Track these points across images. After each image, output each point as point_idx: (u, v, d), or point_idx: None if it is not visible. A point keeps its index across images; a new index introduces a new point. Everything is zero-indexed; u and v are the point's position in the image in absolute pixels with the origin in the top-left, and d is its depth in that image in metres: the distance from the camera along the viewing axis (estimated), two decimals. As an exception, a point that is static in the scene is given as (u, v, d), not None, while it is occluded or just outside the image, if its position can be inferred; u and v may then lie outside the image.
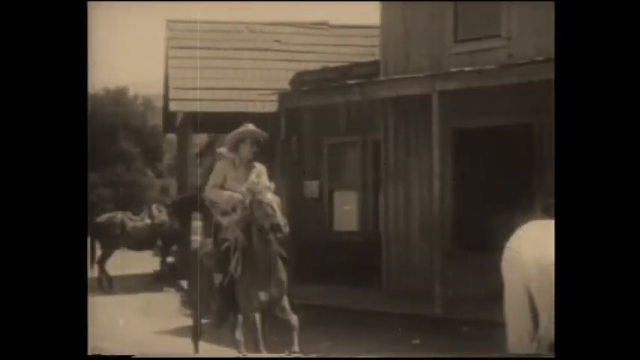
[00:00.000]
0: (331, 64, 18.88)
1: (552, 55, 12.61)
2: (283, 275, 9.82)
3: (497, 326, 9.27)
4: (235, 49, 20.83)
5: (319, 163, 17.87)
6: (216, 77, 19.86)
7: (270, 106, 17.33)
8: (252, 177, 10.05)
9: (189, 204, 20.22)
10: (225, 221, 10.04)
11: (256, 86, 19.57)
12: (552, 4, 13.12)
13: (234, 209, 9.97)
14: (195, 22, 21.05)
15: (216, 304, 10.01)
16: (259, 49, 21.08)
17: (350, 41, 21.46)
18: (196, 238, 20.86)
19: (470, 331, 12.22)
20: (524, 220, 9.48)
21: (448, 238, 14.39)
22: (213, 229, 10.25)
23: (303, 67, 19.30)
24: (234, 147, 10.17)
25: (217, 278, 9.90)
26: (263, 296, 9.64)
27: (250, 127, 10.25)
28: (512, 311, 9.09)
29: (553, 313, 8.72)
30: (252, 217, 9.69)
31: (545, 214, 9.92)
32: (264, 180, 10.07)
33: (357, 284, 15.81)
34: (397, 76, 14.78)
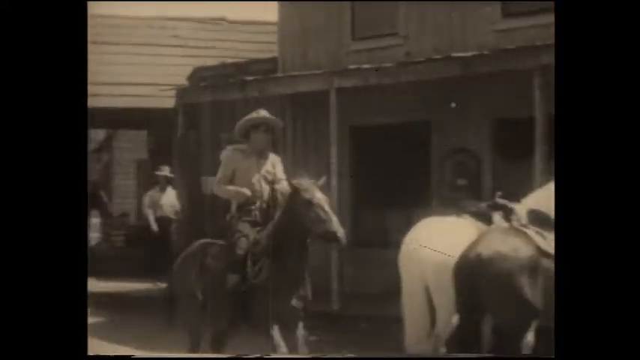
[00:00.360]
0: (229, 60, 18.82)
1: (449, 54, 12.89)
2: (308, 291, 8.69)
3: (395, 322, 9.33)
4: (134, 44, 20.62)
5: (218, 159, 17.76)
6: (115, 72, 19.63)
7: (169, 102, 17.19)
8: (268, 167, 9.04)
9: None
10: (247, 222, 8.86)
11: (155, 82, 19.40)
12: (449, 3, 13.28)
13: (249, 209, 8.90)
14: (95, 16, 20.77)
15: (228, 311, 8.79)
16: (158, 45, 20.90)
17: (248, 37, 21.41)
18: (96, 235, 20.61)
19: (368, 327, 12.29)
20: (422, 216, 9.57)
21: (346, 234, 14.43)
22: (228, 230, 9.00)
23: (201, 62, 19.20)
24: (245, 135, 9.12)
25: (232, 280, 8.65)
26: (286, 309, 8.50)
27: (263, 112, 9.18)
28: (409, 307, 9.16)
29: (450, 310, 8.87)
30: (294, 218, 8.47)
31: (442, 210, 10.03)
32: (280, 172, 9.08)
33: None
34: (295, 73, 14.80)
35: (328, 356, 8.33)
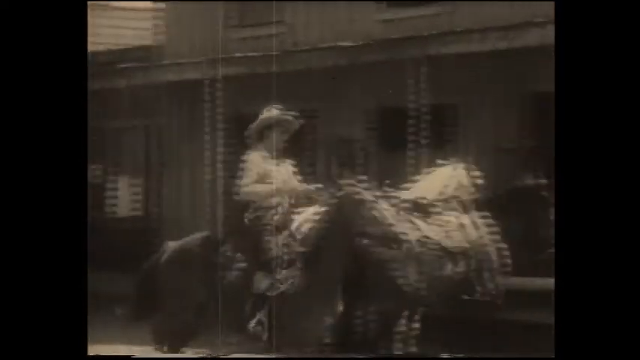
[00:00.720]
0: (110, 47, 18.53)
1: (334, 43, 12.92)
2: (340, 306, 8.38)
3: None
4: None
5: (102, 148, 17.53)
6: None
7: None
8: (284, 171, 8.63)
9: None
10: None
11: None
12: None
13: (271, 213, 8.42)
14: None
15: (245, 316, 8.26)
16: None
17: (129, 24, 21.10)
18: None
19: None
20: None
21: (225, 223, 14.41)
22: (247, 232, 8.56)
23: (82, 49, 18.84)
24: (259, 137, 8.70)
25: (262, 284, 8.21)
26: (326, 321, 8.17)
27: (275, 111, 8.90)
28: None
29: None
30: (340, 221, 8.10)
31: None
32: (293, 180, 8.67)
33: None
34: (177, 61, 14.67)
35: (330, 356, 8.19)
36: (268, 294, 8.13)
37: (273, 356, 8.28)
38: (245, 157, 8.70)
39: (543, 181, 9.72)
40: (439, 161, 9.73)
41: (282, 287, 8.10)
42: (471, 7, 12.60)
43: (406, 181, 9.70)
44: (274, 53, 13.29)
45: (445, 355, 9.35)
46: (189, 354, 8.88)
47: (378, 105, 13.49)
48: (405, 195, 9.36)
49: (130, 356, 8.43)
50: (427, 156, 11.55)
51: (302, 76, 13.27)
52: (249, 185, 8.52)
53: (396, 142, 13.04)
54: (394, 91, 12.62)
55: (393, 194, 9.43)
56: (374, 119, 13.65)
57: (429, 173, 9.70)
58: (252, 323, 8.20)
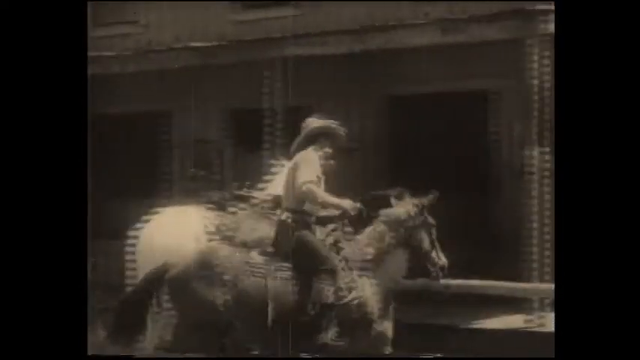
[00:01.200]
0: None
1: (188, 43, 12.88)
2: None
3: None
4: None
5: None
6: None
7: None
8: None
9: None
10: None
11: None
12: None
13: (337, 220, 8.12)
14: None
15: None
16: None
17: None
18: None
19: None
20: (163, 207, 9.56)
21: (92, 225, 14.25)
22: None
23: None
24: (312, 141, 8.30)
25: (320, 292, 7.76)
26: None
27: (322, 120, 8.42)
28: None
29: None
30: (409, 238, 7.98)
31: (183, 200, 10.05)
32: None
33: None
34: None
35: (335, 357, 8.06)
36: (336, 303, 7.83)
37: (279, 356, 8.05)
38: (310, 154, 8.25)
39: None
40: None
41: (349, 297, 7.83)
42: (327, 9, 12.75)
43: (262, 181, 9.73)
44: (128, 53, 13.23)
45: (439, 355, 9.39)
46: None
47: (233, 106, 13.52)
48: (261, 195, 9.38)
49: (130, 356, 8.30)
50: (283, 157, 11.62)
51: (157, 77, 13.23)
52: (311, 182, 8.01)
53: (251, 143, 13.10)
54: (249, 92, 12.70)
55: (250, 194, 9.46)
56: (229, 120, 13.69)
57: (278, 172, 9.70)
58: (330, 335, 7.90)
